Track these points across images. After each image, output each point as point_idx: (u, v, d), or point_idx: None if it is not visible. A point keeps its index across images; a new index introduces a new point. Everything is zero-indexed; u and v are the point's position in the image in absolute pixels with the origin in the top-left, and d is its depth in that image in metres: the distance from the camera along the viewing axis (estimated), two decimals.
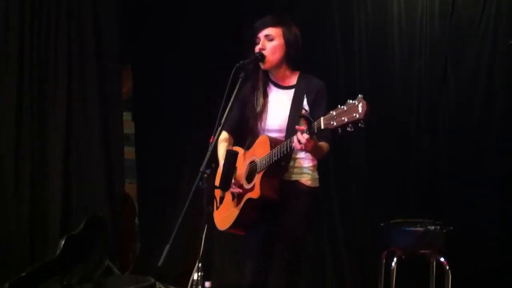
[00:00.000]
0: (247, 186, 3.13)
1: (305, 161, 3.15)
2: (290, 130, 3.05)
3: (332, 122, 2.62)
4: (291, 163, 3.11)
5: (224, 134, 3.31)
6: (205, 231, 2.81)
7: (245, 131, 3.29)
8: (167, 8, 5.29)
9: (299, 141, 2.81)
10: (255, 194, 3.03)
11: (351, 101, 2.56)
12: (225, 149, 3.20)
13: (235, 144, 3.36)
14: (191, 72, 5.23)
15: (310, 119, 2.76)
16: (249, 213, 3.12)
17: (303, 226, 3.16)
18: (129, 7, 5.41)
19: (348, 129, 2.58)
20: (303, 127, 2.83)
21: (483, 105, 4.09)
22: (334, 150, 4.41)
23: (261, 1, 4.63)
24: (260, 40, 3.16)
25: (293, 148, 2.87)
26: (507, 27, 3.97)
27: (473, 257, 3.98)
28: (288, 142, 2.90)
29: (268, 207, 3.08)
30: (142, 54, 5.53)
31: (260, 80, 3.24)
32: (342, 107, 2.59)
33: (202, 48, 5.13)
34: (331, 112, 2.64)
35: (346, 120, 2.56)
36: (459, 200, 4.13)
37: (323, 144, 3.04)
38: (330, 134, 3.02)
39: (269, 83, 3.25)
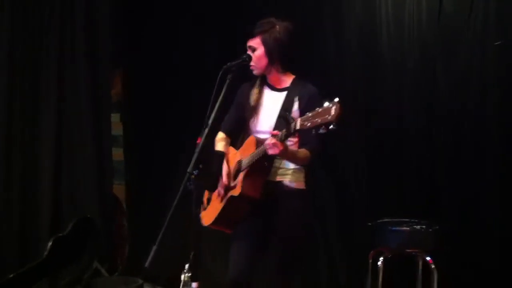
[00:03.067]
0: (232, 184, 3.18)
1: (290, 164, 3.19)
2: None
3: (307, 123, 2.69)
4: (277, 164, 3.13)
5: (220, 134, 3.39)
6: (193, 232, 2.83)
7: (242, 131, 3.36)
8: (160, 11, 5.31)
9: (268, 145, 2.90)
10: (236, 191, 3.10)
11: (327, 103, 2.63)
12: (223, 148, 3.34)
13: (231, 144, 3.42)
14: (182, 73, 5.25)
15: (288, 120, 2.82)
16: (231, 210, 3.18)
17: (294, 227, 3.19)
18: (122, 9, 5.42)
19: (321, 130, 2.65)
20: (277, 131, 2.92)
21: (476, 105, 4.13)
22: (328, 156, 4.54)
23: (259, 6, 4.68)
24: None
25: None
26: (495, 29, 4.00)
27: (474, 260, 4.02)
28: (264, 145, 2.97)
29: (252, 206, 3.12)
30: (132, 56, 5.54)
31: (258, 81, 3.32)
32: (318, 109, 2.66)
33: (195, 48, 5.16)
34: (307, 113, 2.71)
35: (319, 121, 2.63)
36: (455, 201, 4.18)
37: (303, 151, 3.12)
38: (315, 141, 3.09)
39: (265, 85, 3.31)
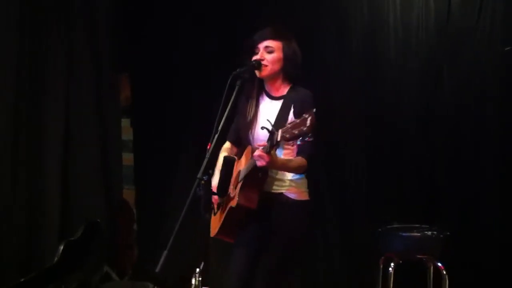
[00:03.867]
0: (232, 195, 3.17)
1: (289, 174, 3.14)
2: None
3: (286, 135, 2.68)
4: (273, 174, 3.12)
5: (227, 144, 3.36)
6: (201, 238, 2.84)
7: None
8: (165, 15, 5.24)
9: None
10: (234, 202, 3.08)
11: (305, 115, 2.62)
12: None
13: (238, 153, 3.37)
14: (190, 78, 5.18)
15: (270, 130, 2.81)
16: (231, 220, 3.17)
17: (292, 234, 3.17)
18: (126, 14, 5.37)
19: (299, 142, 2.66)
20: (265, 143, 2.89)
21: (480, 109, 4.21)
22: (327, 156, 4.56)
23: (259, 6, 4.68)
24: (259, 51, 3.17)
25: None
26: (502, 34, 4.05)
27: (473, 261, 4.09)
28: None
29: (250, 216, 3.10)
30: (140, 61, 5.43)
31: (255, 89, 3.25)
32: (296, 120, 2.67)
33: (202, 54, 5.10)
34: (287, 124, 2.71)
35: (296, 132, 2.63)
36: (457, 204, 4.25)
37: (298, 159, 3.07)
38: (310, 148, 3.05)
39: (263, 92, 3.27)
